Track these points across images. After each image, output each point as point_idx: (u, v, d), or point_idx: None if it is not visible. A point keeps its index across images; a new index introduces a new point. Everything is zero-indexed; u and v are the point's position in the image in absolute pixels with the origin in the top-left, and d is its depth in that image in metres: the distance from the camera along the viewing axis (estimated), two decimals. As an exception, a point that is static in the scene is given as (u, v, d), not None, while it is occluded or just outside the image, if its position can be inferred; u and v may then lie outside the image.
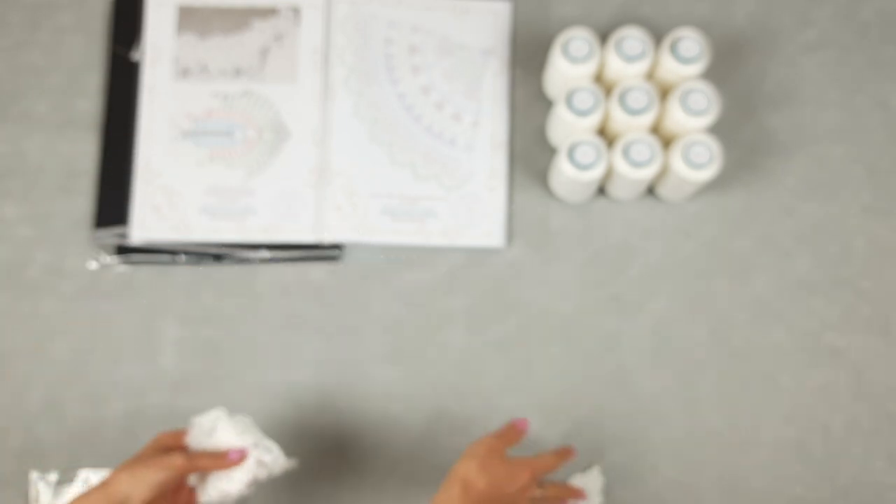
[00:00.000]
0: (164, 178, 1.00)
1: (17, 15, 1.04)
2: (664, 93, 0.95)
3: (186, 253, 1.00)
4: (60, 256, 1.00)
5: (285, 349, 0.98)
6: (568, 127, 0.95)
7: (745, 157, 1.01)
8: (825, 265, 1.00)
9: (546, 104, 1.01)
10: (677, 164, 0.93)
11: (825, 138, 1.02)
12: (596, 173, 0.93)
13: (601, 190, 1.00)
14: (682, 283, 1.00)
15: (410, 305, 0.99)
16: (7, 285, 0.99)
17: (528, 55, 1.03)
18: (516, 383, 0.98)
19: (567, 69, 0.94)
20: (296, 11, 1.03)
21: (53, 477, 0.96)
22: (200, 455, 0.82)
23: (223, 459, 0.83)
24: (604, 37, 0.97)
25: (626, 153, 0.93)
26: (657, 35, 0.97)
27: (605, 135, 0.97)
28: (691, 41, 0.94)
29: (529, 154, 1.02)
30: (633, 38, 0.94)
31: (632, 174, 0.93)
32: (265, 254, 1.00)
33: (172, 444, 0.84)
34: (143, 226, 1.00)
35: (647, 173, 0.93)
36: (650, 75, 0.96)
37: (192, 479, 0.85)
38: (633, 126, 0.93)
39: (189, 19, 1.03)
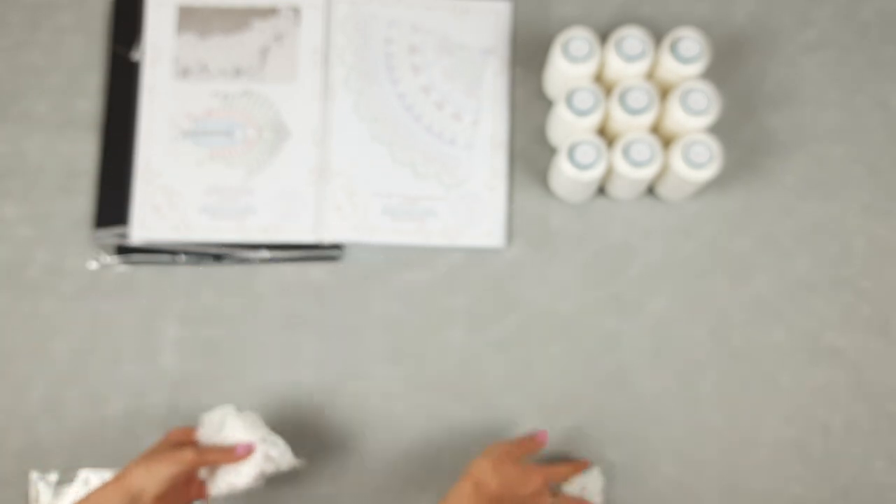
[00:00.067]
0: (164, 178, 1.00)
1: (17, 15, 1.04)
2: (664, 92, 0.95)
3: (186, 253, 1.00)
4: (60, 256, 1.00)
5: (285, 349, 0.98)
6: (568, 126, 0.95)
7: (745, 157, 1.01)
8: (825, 265, 1.00)
9: (546, 104, 1.01)
10: (677, 163, 0.93)
11: (825, 138, 1.02)
12: (596, 173, 0.93)
13: (601, 190, 1.00)
14: (682, 282, 1.00)
15: (410, 305, 0.99)
16: (7, 285, 0.99)
17: (528, 55, 1.03)
18: (516, 383, 0.98)
19: (567, 69, 0.94)
20: (296, 11, 1.03)
21: (53, 477, 0.96)
22: (210, 449, 0.86)
23: (231, 453, 0.86)
24: (604, 36, 0.97)
25: (626, 153, 0.93)
26: (657, 35, 0.97)
27: (606, 134, 0.97)
28: (691, 41, 0.94)
29: (529, 154, 1.02)
30: (633, 37, 0.94)
31: (632, 174, 0.93)
32: (265, 254, 1.00)
33: (184, 440, 0.87)
34: (143, 226, 1.00)
35: (647, 173, 0.93)
36: (650, 75, 0.96)
37: (203, 473, 0.88)
38: (633, 126, 0.93)
39: (189, 19, 1.03)
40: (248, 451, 0.87)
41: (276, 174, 1.01)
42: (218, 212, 1.00)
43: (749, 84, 1.03)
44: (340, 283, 1.00)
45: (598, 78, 0.97)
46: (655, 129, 0.96)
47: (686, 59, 0.93)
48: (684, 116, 0.93)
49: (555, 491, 0.92)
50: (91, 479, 0.95)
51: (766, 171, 1.01)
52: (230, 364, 0.98)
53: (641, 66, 0.94)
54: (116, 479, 0.82)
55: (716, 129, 0.94)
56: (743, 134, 1.02)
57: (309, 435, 0.97)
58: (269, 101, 1.02)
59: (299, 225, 1.00)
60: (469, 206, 1.00)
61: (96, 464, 0.96)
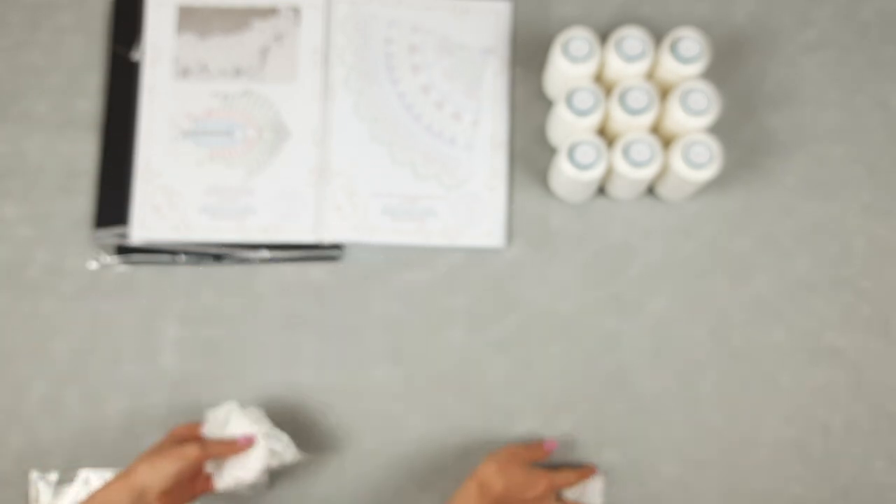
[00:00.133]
0: (164, 178, 1.00)
1: (17, 15, 1.04)
2: (664, 92, 0.95)
3: (186, 253, 1.00)
4: (60, 256, 1.00)
5: (285, 349, 0.98)
6: (568, 127, 0.95)
7: (745, 157, 1.01)
8: (825, 265, 1.00)
9: (546, 104, 1.01)
10: (677, 163, 0.93)
11: (825, 138, 1.02)
12: (596, 173, 0.93)
13: (601, 190, 1.00)
14: (682, 282, 1.00)
15: (410, 305, 0.99)
16: (7, 285, 0.99)
17: (528, 55, 1.03)
18: (516, 383, 0.98)
19: (567, 69, 0.94)
20: (296, 11, 1.03)
21: (53, 477, 0.96)
22: (212, 443, 0.87)
23: (233, 446, 0.88)
24: (604, 36, 0.97)
25: (626, 153, 0.93)
26: (657, 35, 0.97)
27: (605, 134, 0.97)
28: (691, 41, 0.94)
29: (529, 154, 1.02)
30: (633, 37, 0.94)
31: (632, 174, 0.93)
32: (265, 254, 1.00)
33: (188, 436, 0.89)
34: (143, 226, 1.00)
35: (647, 173, 0.93)
36: (650, 75, 0.96)
37: (210, 467, 0.90)
38: (633, 126, 0.93)
39: (189, 19, 1.03)
40: (249, 442, 0.88)
41: (276, 174, 1.01)
42: (218, 212, 1.00)
43: (749, 84, 1.03)
44: (340, 283, 1.00)
45: (598, 78, 0.97)
46: (655, 130, 0.96)
47: (686, 59, 0.93)
48: (684, 116, 0.93)
49: (559, 496, 0.92)
50: (91, 478, 0.95)
51: (766, 171, 1.01)
52: (230, 364, 0.98)
53: (641, 66, 0.94)
54: (121, 476, 0.83)
55: (716, 130, 0.94)
56: (743, 134, 1.02)
57: (309, 435, 0.96)
58: (269, 102, 1.02)
59: (299, 225, 1.00)
60: (469, 206, 1.00)
61: (96, 464, 0.96)
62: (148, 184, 1.00)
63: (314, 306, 0.99)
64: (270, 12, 1.03)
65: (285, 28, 1.03)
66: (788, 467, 0.97)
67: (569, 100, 0.94)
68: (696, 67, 0.93)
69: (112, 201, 1.00)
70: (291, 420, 0.96)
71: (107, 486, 0.83)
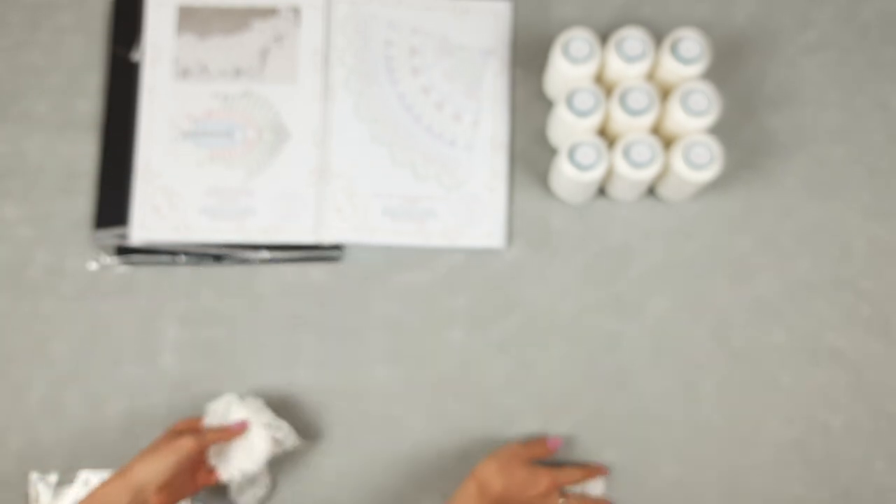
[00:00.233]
0: (164, 179, 1.00)
1: (17, 15, 1.04)
2: (665, 93, 0.95)
3: (186, 253, 1.00)
4: (60, 257, 1.00)
5: (285, 350, 0.98)
6: (568, 127, 0.94)
7: (746, 158, 1.01)
8: (825, 266, 1.00)
9: (546, 105, 1.01)
10: (678, 164, 0.93)
11: (825, 139, 1.02)
12: (596, 174, 0.93)
13: (602, 190, 1.00)
14: (683, 283, 1.00)
15: (410, 306, 0.99)
16: (7, 285, 0.99)
17: (528, 55, 1.03)
18: (516, 384, 0.98)
19: (567, 70, 0.94)
20: (296, 12, 1.03)
21: (53, 478, 0.96)
22: (207, 432, 0.88)
23: (227, 432, 0.89)
24: (604, 37, 0.97)
25: (626, 154, 0.93)
26: (657, 35, 0.97)
27: (606, 135, 0.97)
28: (692, 42, 0.94)
29: (530, 154, 1.02)
30: (633, 38, 0.94)
31: (632, 175, 0.93)
32: (265, 254, 1.00)
33: (187, 430, 0.89)
34: (143, 226, 1.00)
35: (647, 174, 0.93)
36: (650, 76, 0.96)
37: (213, 459, 0.90)
38: (633, 127, 0.93)
39: (189, 19, 1.03)
40: (242, 427, 0.90)
41: (277, 175, 1.01)
42: (218, 213, 1.00)
43: (749, 85, 1.03)
44: (340, 283, 1.00)
45: (599, 79, 0.97)
46: (656, 130, 0.96)
47: (686, 59, 0.93)
48: (685, 117, 0.93)
49: (564, 492, 0.92)
50: (91, 479, 0.95)
51: (767, 171, 1.01)
52: (230, 365, 0.98)
53: (642, 67, 0.94)
54: (119, 473, 0.84)
55: (716, 130, 0.94)
56: (743, 135, 1.02)
57: (309, 435, 0.96)
58: (269, 103, 1.02)
59: (299, 226, 1.00)
60: (469, 206, 1.00)
61: (96, 464, 0.96)
62: (148, 184, 1.00)
63: (314, 307, 0.99)
64: (270, 13, 1.03)
65: (285, 29, 1.03)
66: (788, 468, 0.97)
67: (569, 100, 0.93)
68: (697, 68, 0.93)
69: (112, 202, 1.00)
70: (291, 420, 0.96)
71: (104, 484, 0.83)
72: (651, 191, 1.01)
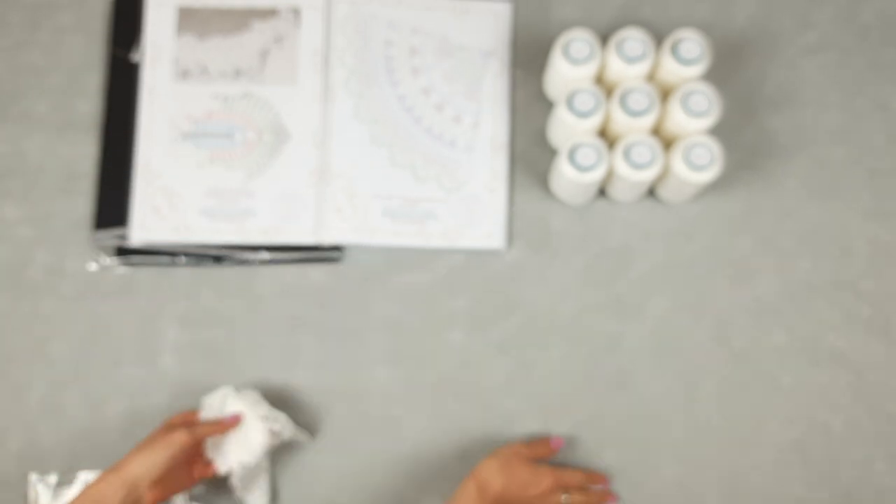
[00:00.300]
0: (164, 180, 1.00)
1: (17, 15, 1.04)
2: (665, 94, 0.95)
3: (186, 254, 1.00)
4: (60, 257, 1.00)
5: (285, 350, 0.98)
6: (568, 128, 0.94)
7: (746, 159, 1.01)
8: (826, 267, 1.00)
9: (547, 105, 1.01)
10: (678, 165, 0.93)
11: (826, 140, 1.02)
12: (597, 175, 0.93)
13: (602, 191, 1.00)
14: (683, 284, 1.00)
15: (410, 307, 0.99)
16: (7, 286, 0.99)
17: (528, 56, 1.03)
18: (517, 385, 0.98)
19: (568, 70, 0.94)
20: (296, 13, 1.03)
21: (53, 479, 0.95)
22: (200, 425, 0.88)
23: (220, 425, 0.89)
24: (604, 38, 0.97)
25: (626, 155, 0.93)
26: (658, 36, 0.97)
27: (606, 136, 0.97)
28: (692, 43, 0.94)
29: (530, 156, 1.02)
30: (633, 39, 0.94)
31: (632, 176, 0.93)
32: (265, 255, 0.99)
33: (181, 424, 0.89)
34: (143, 227, 0.99)
35: (647, 175, 0.93)
36: (651, 77, 0.96)
37: (211, 452, 0.90)
38: (633, 128, 0.93)
39: (189, 20, 1.03)
40: (235, 420, 0.89)
41: (277, 176, 1.00)
42: (218, 214, 1.00)
43: (750, 86, 1.03)
44: (340, 284, 1.00)
45: (599, 80, 0.97)
46: (656, 131, 0.96)
47: (687, 60, 0.93)
48: (685, 118, 0.93)
49: (566, 490, 0.92)
50: (90, 480, 0.95)
51: (767, 173, 1.01)
52: (230, 366, 0.98)
53: (642, 68, 0.94)
54: (112, 469, 0.84)
55: (716, 131, 0.94)
56: (744, 136, 1.02)
57: (309, 436, 0.96)
58: (269, 104, 1.02)
59: (299, 227, 1.00)
60: (469, 207, 1.00)
61: (96, 465, 0.96)
62: (148, 185, 1.00)
63: (314, 308, 0.99)
64: (270, 13, 1.03)
65: (285, 30, 1.03)
66: (789, 468, 0.97)
67: (569, 101, 0.93)
68: (697, 69, 0.93)
69: (112, 202, 1.00)
70: (291, 421, 0.96)
71: (98, 480, 0.83)
72: (651, 192, 1.01)
